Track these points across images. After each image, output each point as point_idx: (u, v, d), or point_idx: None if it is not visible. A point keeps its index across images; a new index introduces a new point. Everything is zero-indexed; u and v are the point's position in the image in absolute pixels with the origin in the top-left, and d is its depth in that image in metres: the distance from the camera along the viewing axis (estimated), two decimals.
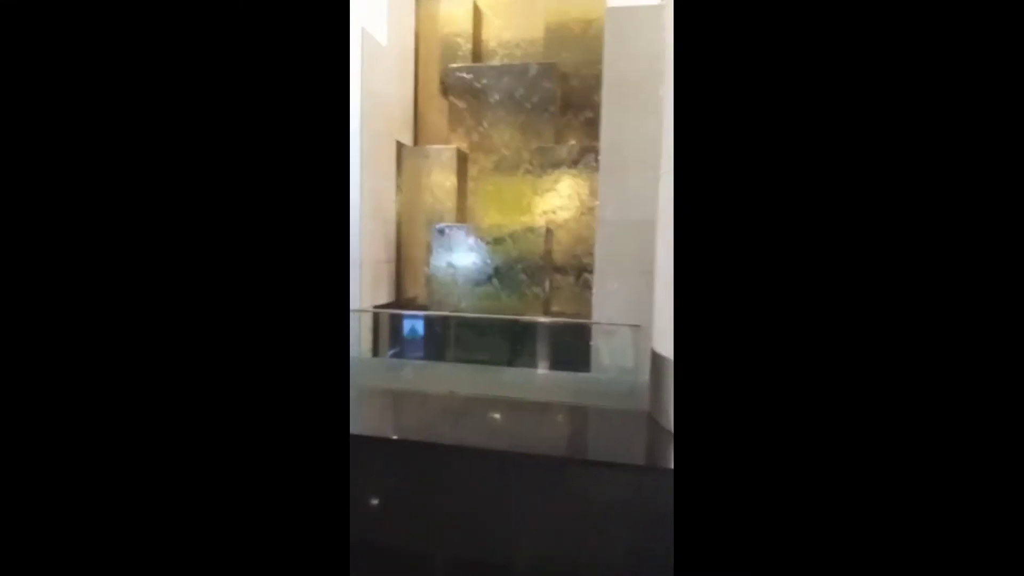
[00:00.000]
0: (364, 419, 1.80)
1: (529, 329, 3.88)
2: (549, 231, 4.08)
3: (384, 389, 2.37)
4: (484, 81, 4.32)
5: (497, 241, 4.05)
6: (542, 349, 3.87)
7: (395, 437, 1.63)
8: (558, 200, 4.14)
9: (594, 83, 3.94)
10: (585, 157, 4.03)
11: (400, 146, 4.43)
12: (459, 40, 4.56)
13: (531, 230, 4.04)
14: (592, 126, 4.13)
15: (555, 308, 4.11)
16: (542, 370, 3.73)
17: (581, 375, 3.35)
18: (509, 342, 3.91)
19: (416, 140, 4.70)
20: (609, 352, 3.42)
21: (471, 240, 4.09)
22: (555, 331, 3.87)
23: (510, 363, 3.75)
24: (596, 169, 3.80)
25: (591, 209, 4.00)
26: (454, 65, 4.43)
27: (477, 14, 4.59)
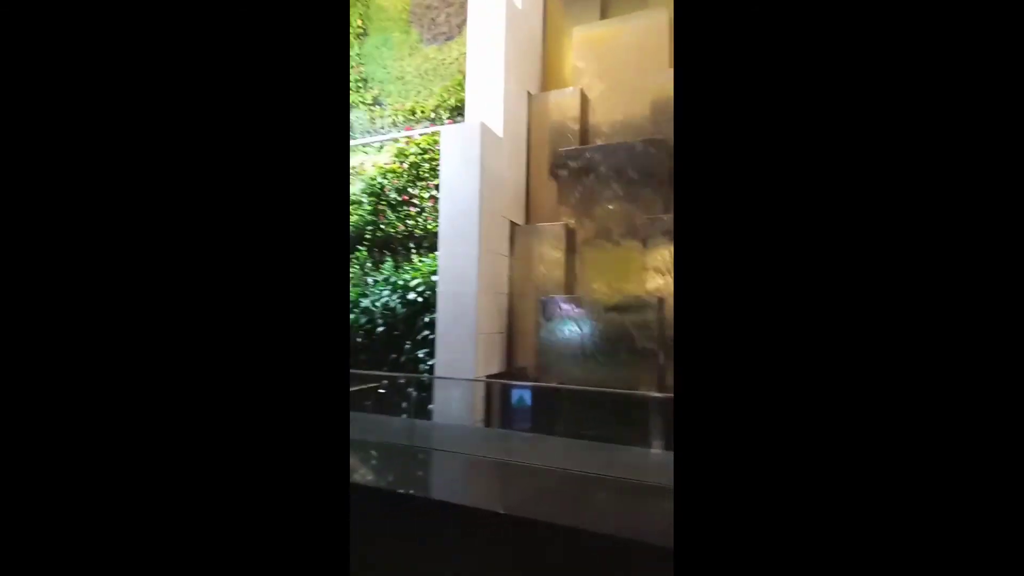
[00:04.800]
0: (473, 490, 1.82)
1: (642, 404, 3.70)
2: (661, 301, 3.97)
3: (494, 461, 2.39)
4: (592, 160, 4.53)
5: (606, 311, 4.03)
6: (656, 426, 3.64)
7: (501, 511, 1.64)
8: (670, 271, 4.05)
9: None
10: None
11: (513, 225, 4.74)
12: (568, 124, 4.89)
13: (641, 300, 3.97)
14: None
15: (671, 383, 3.90)
16: (657, 450, 3.48)
17: None
18: (621, 417, 3.74)
19: (528, 219, 5.00)
20: None
21: (579, 311, 4.12)
22: (671, 408, 3.64)
23: (622, 440, 3.57)
24: None
25: None
26: (563, 149, 4.73)
27: (584, 100, 4.93)
